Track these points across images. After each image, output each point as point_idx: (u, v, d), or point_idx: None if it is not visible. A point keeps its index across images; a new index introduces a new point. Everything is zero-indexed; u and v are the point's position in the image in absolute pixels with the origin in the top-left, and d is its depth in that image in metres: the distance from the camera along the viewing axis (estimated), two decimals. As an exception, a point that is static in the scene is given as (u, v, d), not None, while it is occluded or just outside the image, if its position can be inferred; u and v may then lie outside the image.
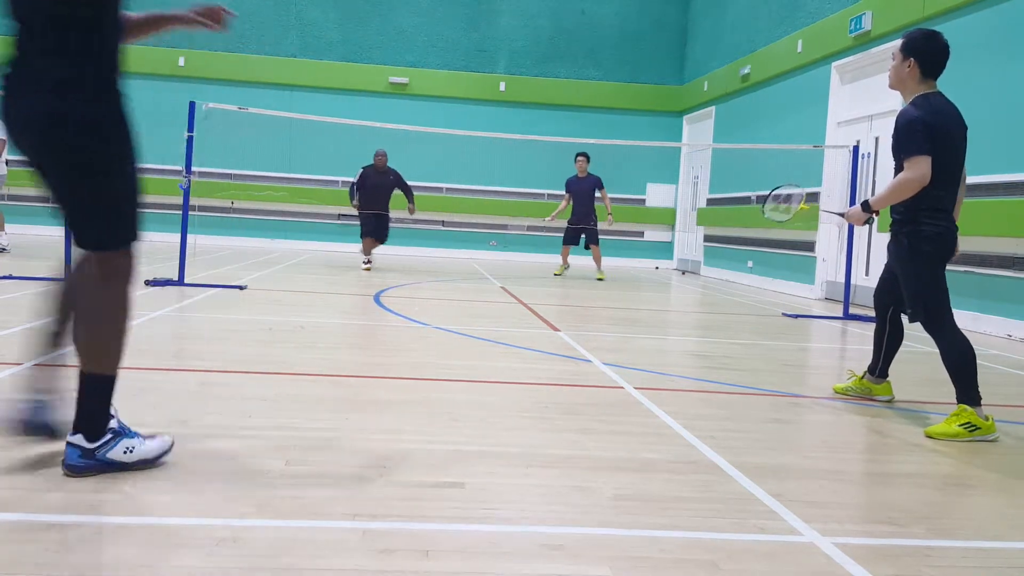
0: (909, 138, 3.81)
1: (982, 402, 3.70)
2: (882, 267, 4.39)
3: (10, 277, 7.78)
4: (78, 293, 2.56)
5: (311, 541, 2.12)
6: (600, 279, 12.40)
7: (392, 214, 12.47)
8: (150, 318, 5.86)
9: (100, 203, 2.48)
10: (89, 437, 2.52)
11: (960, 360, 3.75)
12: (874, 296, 4.40)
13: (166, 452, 2.70)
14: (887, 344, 4.32)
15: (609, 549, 2.18)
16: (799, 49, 12.04)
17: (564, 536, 2.25)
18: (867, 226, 4.21)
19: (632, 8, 17.54)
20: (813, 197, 11.56)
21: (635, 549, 2.19)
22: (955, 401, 3.75)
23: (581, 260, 14.27)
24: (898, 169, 3.92)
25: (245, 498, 2.40)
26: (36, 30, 2.39)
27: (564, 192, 12.82)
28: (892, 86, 4.13)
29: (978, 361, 3.79)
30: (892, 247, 4.07)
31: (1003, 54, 8.00)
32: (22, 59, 2.40)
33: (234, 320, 6.12)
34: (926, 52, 4.00)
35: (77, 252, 2.54)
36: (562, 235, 12.96)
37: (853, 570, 2.12)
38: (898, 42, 4.02)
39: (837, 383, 4.70)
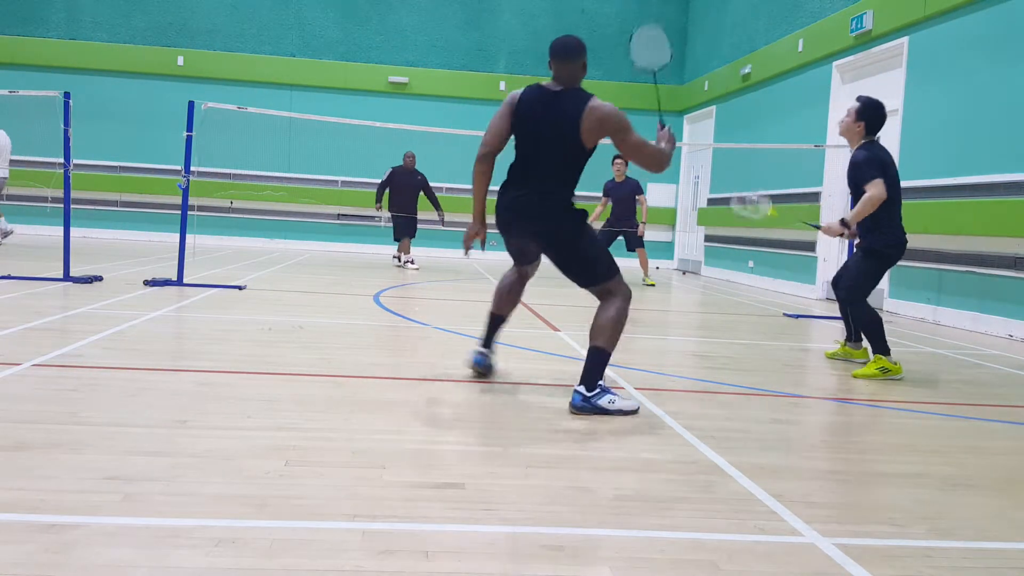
0: (868, 168, 5.14)
1: (891, 352, 5.17)
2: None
3: (9, 277, 7.78)
4: (609, 309, 3.92)
5: (311, 541, 2.12)
6: (651, 284, 11.96)
7: (420, 215, 13.17)
8: (149, 318, 5.86)
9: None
10: (588, 388, 3.74)
11: (873, 325, 5.18)
12: (832, 283, 5.69)
13: (635, 412, 3.78)
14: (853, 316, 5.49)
15: (609, 549, 2.18)
16: (800, 48, 12.03)
17: (564, 536, 2.25)
18: (840, 239, 5.39)
19: (632, 8, 17.54)
20: (814, 197, 11.56)
21: (635, 549, 2.19)
22: (873, 354, 5.16)
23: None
24: (855, 196, 5.27)
25: (245, 498, 2.39)
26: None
27: (601, 196, 12.26)
28: (840, 134, 5.49)
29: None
30: (861, 247, 5.36)
31: (1003, 54, 8.00)
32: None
33: (234, 320, 6.11)
34: (873, 118, 5.28)
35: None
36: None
37: (853, 570, 2.12)
38: (855, 105, 5.34)
39: (827, 352, 5.92)
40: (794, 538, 2.34)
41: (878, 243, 5.22)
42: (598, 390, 3.76)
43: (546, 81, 4.03)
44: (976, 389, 4.95)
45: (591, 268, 3.98)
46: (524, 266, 4.32)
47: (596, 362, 3.81)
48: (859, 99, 5.38)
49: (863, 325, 5.25)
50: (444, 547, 2.13)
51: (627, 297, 3.95)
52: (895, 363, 5.10)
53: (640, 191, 12.10)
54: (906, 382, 5.00)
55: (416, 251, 16.68)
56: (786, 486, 2.81)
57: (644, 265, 12.31)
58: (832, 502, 2.69)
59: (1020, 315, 7.60)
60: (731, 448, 3.24)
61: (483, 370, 4.35)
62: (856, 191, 5.27)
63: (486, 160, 4.06)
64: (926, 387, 4.91)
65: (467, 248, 4.18)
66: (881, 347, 5.13)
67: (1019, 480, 3.11)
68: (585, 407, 3.72)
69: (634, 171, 12.40)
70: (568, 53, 3.93)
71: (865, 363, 5.42)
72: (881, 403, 4.38)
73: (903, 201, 5.39)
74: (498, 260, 16.73)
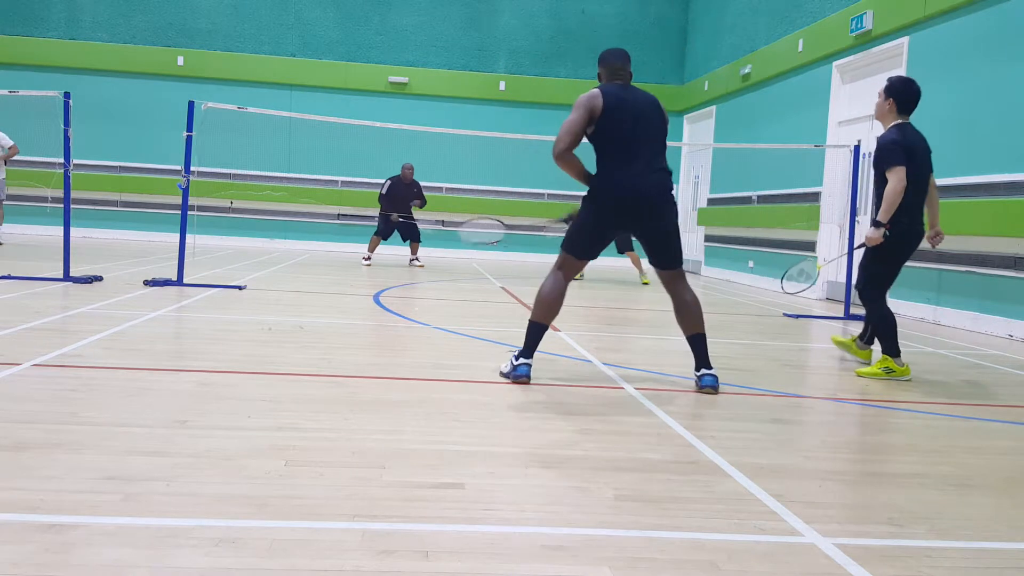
0: (891, 153, 4.94)
1: (901, 354, 5.12)
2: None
3: (9, 277, 7.78)
4: (690, 293, 4.58)
5: (311, 541, 2.12)
6: (645, 283, 11.98)
7: (416, 217, 13.52)
8: (149, 318, 5.86)
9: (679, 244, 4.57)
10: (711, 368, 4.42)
11: (883, 324, 5.12)
12: (858, 286, 5.47)
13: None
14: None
15: (609, 549, 2.18)
16: (800, 48, 12.03)
17: (564, 536, 2.25)
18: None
19: (632, 7, 17.54)
20: (814, 197, 11.56)
21: (635, 549, 2.19)
22: (882, 354, 5.13)
23: (600, 262, 14.26)
24: (879, 181, 5.06)
25: (245, 498, 2.39)
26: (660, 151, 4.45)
27: None
28: (876, 118, 5.27)
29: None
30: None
31: (1003, 54, 8.00)
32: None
33: (234, 320, 6.12)
34: (902, 95, 5.11)
35: (668, 273, 4.58)
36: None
37: (853, 570, 2.12)
38: (885, 83, 5.22)
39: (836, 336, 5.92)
40: (794, 538, 2.34)
41: (893, 233, 5.00)
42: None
43: (618, 82, 4.55)
44: (976, 389, 4.95)
45: (680, 250, 4.55)
46: (588, 259, 4.63)
47: (706, 345, 4.48)
48: (888, 79, 5.21)
49: (875, 322, 5.13)
50: (444, 547, 2.13)
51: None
52: (902, 365, 5.05)
53: None
54: (906, 382, 5.00)
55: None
56: (786, 486, 2.81)
57: (637, 265, 12.37)
58: (832, 502, 2.69)
59: (1020, 315, 7.60)
60: (731, 448, 3.24)
61: (527, 380, 4.38)
62: (879, 175, 5.05)
63: (572, 151, 4.36)
64: (926, 387, 4.91)
65: None
66: (890, 348, 5.06)
67: (1019, 480, 3.11)
68: (716, 386, 4.37)
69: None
70: (627, 58, 4.60)
71: (866, 364, 5.38)
72: (881, 403, 4.38)
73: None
74: (497, 260, 16.78)
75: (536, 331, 4.48)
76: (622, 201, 4.35)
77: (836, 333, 6.14)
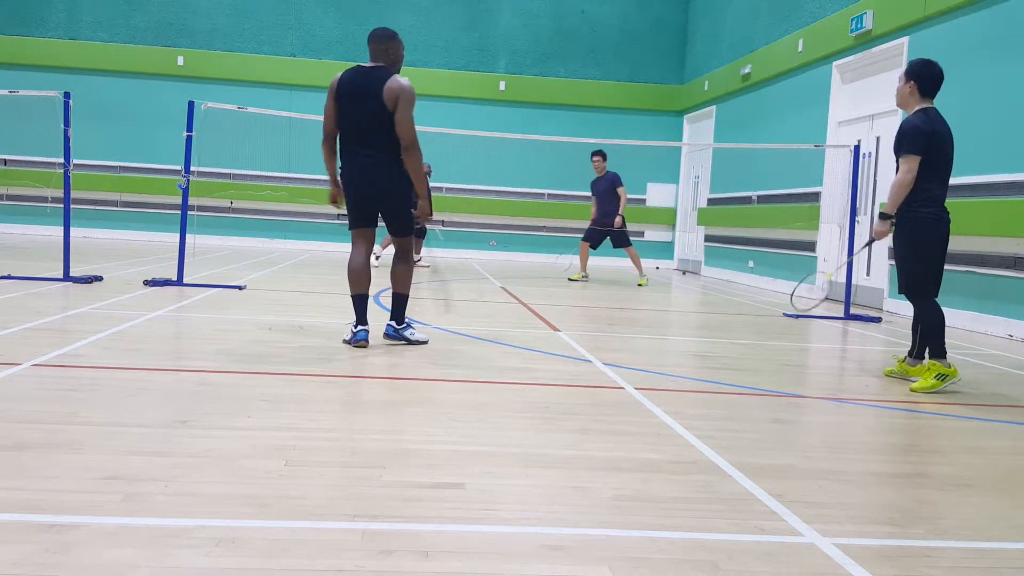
0: (907, 139, 4.69)
1: (947, 355, 4.76)
2: (889, 266, 4.97)
3: (9, 277, 7.78)
4: (402, 264, 5.27)
5: (311, 541, 2.12)
6: (641, 284, 11.84)
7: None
8: (149, 318, 5.85)
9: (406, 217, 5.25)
10: (398, 323, 5.28)
11: (931, 327, 4.75)
12: (902, 290, 5.00)
13: (425, 342, 5.31)
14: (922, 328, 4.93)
15: (609, 549, 2.18)
16: (800, 48, 12.03)
17: (564, 536, 2.25)
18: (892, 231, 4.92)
19: (632, 8, 17.53)
20: (814, 197, 11.57)
21: (635, 549, 2.19)
22: (927, 358, 4.77)
23: (600, 262, 14.26)
24: (898, 167, 4.75)
25: (244, 498, 2.39)
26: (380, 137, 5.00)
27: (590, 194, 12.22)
28: (898, 105, 5.01)
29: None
30: (895, 235, 4.83)
31: (1003, 54, 8.00)
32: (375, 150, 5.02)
33: (234, 320, 6.11)
34: (923, 77, 4.88)
35: (391, 239, 5.36)
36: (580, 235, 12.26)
37: (853, 570, 2.12)
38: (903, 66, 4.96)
39: (886, 368, 5.23)
40: (794, 538, 2.34)
41: (923, 224, 4.67)
42: (405, 324, 5.30)
43: (367, 65, 5.20)
44: (976, 389, 4.94)
45: (406, 222, 5.22)
46: (365, 228, 5.18)
47: (402, 303, 5.28)
48: (909, 62, 4.89)
49: (924, 323, 4.77)
50: (444, 547, 2.13)
51: (412, 256, 5.37)
52: (950, 366, 4.68)
53: (619, 183, 11.81)
54: (906, 382, 4.99)
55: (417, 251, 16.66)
56: (786, 486, 2.81)
57: (636, 263, 12.16)
58: (832, 502, 2.69)
59: (1020, 315, 7.60)
60: (731, 448, 3.24)
61: (366, 343, 5.11)
62: (897, 161, 4.79)
63: (331, 133, 5.18)
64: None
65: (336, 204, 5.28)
66: (938, 350, 4.70)
67: (1019, 480, 3.11)
68: (395, 336, 5.20)
69: (611, 165, 12.34)
70: (380, 37, 5.23)
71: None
72: (881, 403, 4.38)
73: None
74: (497, 260, 16.80)
75: (358, 303, 5.16)
76: (349, 182, 5.08)
77: (833, 350, 5.96)
